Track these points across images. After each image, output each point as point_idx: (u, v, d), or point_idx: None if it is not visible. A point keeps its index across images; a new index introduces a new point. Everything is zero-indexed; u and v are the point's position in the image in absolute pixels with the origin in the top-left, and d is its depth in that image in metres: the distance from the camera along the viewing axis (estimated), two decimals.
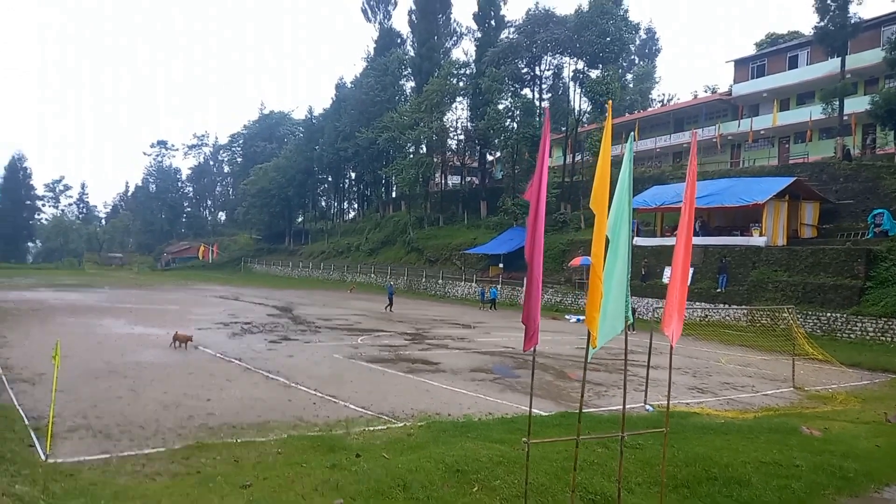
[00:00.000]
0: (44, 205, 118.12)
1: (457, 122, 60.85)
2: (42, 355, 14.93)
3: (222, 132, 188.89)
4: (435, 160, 59.79)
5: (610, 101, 7.53)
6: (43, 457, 7.64)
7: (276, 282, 64.15)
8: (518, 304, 39.48)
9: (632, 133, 7.96)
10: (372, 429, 10.07)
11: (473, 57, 58.95)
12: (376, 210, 75.92)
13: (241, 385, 13.11)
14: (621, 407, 12.17)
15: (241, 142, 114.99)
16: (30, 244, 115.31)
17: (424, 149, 60.82)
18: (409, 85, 69.49)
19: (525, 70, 51.96)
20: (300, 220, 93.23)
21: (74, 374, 12.82)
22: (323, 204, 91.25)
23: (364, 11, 78.14)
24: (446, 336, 24.18)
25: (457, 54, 67.05)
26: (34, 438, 8.40)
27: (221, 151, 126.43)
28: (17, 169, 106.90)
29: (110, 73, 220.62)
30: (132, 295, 39.15)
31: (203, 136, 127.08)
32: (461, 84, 56.88)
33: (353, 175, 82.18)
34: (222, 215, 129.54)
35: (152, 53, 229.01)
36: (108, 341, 18.26)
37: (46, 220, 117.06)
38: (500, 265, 44.12)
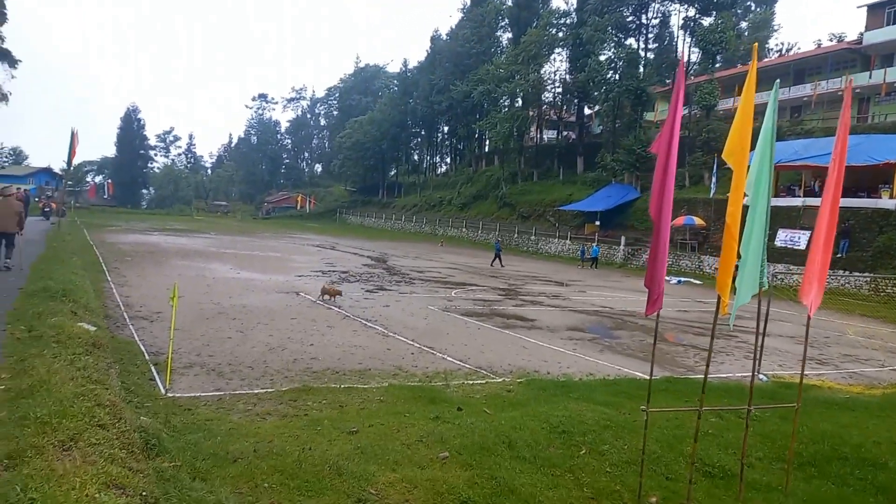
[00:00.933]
0: (156, 154, 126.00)
1: (555, 75, 58.90)
2: (158, 295, 15.83)
3: (319, 86, 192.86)
4: (531, 114, 58.32)
5: (755, 44, 6.76)
6: (163, 391, 8.05)
7: (369, 233, 65.63)
8: (614, 263, 38.46)
9: (777, 80, 7.05)
10: (471, 382, 10.00)
11: (574, 6, 56.33)
12: (469, 164, 75.52)
13: (341, 332, 13.38)
14: (730, 375, 11.59)
15: (337, 95, 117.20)
16: (144, 191, 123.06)
17: (520, 102, 59.38)
18: (506, 36, 67.68)
19: (630, 18, 49.18)
20: (393, 173, 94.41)
21: (188, 314, 13.48)
22: (415, 157, 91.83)
23: None
24: (540, 293, 23.83)
25: (557, 3, 64.71)
26: (154, 373, 8.87)
27: (318, 105, 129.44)
28: (132, 120, 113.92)
29: (215, 27, 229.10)
30: (236, 241, 41.03)
31: (301, 89, 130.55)
32: (560, 34, 54.67)
33: (446, 129, 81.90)
34: (318, 167, 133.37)
35: (255, 7, 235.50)
36: (216, 285, 19.15)
37: (158, 168, 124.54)
38: (597, 223, 42.79)
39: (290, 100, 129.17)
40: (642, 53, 50.22)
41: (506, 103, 60.56)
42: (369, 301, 18.35)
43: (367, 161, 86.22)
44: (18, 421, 4.74)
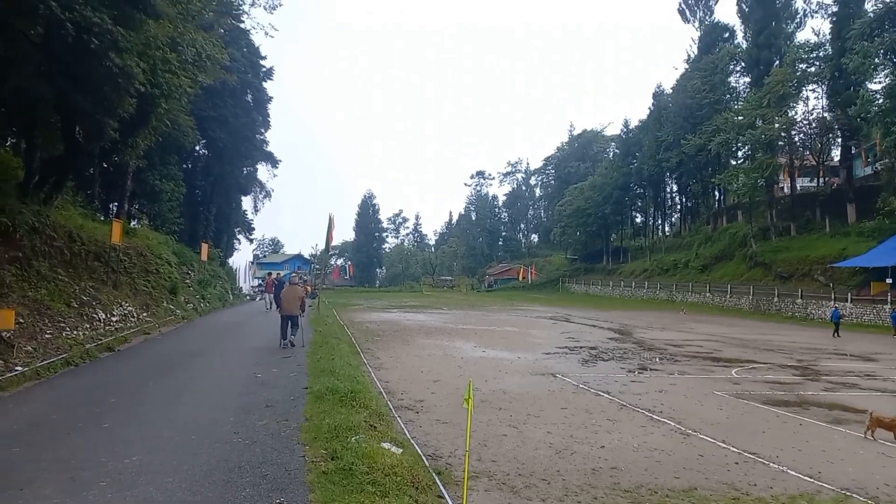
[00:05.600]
0: (387, 236, 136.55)
1: (809, 114, 51.68)
2: (415, 379, 14.99)
3: (533, 157, 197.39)
4: (781, 161, 51.62)
5: None
6: None
7: (598, 302, 62.37)
8: None
9: None
10: None
11: (828, 36, 49.57)
12: (706, 222, 69.41)
13: (628, 428, 11.03)
14: None
15: (553, 164, 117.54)
16: (378, 270, 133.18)
17: (764, 149, 53.03)
18: (743, 81, 62.41)
19: None
20: (614, 237, 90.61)
21: (450, 402, 12.19)
22: (638, 220, 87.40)
23: (681, 12, 74.09)
24: (845, 371, 19.12)
25: (803, 37, 57.93)
26: (441, 488, 7.31)
27: (534, 175, 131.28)
28: (368, 206, 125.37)
29: (435, 112, 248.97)
30: (469, 316, 40.58)
31: (516, 162, 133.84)
32: (813, 70, 48.21)
33: (674, 187, 76.81)
34: (535, 237, 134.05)
35: (468, 92, 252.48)
36: (466, 366, 17.95)
37: (389, 248, 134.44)
38: (888, 280, 35.18)
39: (506, 174, 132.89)
40: None
41: (747, 152, 54.53)
42: (638, 384, 15.73)
43: (589, 227, 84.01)
44: None
